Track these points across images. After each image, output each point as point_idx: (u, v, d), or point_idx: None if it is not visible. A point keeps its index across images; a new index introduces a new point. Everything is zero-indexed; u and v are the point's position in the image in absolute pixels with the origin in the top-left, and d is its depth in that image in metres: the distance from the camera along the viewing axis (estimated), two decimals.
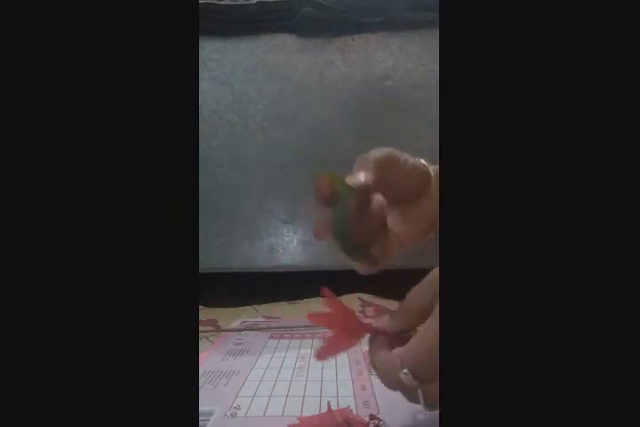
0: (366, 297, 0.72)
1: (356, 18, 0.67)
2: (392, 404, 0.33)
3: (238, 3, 0.65)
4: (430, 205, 0.32)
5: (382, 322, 0.27)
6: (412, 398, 0.25)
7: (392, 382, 0.25)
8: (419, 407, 0.24)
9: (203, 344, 0.53)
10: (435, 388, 0.23)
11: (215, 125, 0.69)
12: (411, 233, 0.32)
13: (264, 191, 0.70)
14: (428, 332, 0.23)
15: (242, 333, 0.56)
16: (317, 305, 0.71)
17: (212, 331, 0.58)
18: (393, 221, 0.31)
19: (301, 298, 0.74)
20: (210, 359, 0.45)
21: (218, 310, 0.70)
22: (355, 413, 0.32)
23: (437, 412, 0.18)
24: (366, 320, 0.28)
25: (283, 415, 0.32)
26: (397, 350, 0.25)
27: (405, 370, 0.24)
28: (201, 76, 0.68)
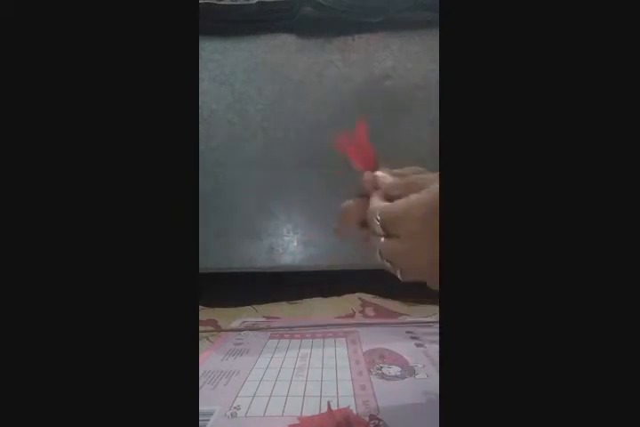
0: (366, 297, 0.72)
1: (356, 18, 0.67)
2: (392, 404, 0.33)
3: (238, 3, 0.65)
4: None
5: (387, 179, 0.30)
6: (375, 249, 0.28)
7: (369, 225, 0.28)
8: (418, 407, 0.24)
9: (203, 344, 0.53)
10: (393, 245, 0.26)
11: (215, 125, 0.69)
12: None
13: (264, 191, 0.70)
14: (412, 198, 0.25)
15: (242, 333, 0.56)
16: (317, 305, 0.71)
17: (212, 331, 0.58)
18: None
19: (301, 298, 0.74)
20: (210, 359, 0.45)
21: (218, 310, 0.70)
22: (355, 413, 0.32)
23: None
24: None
25: (283, 415, 0.32)
26: (383, 203, 0.28)
27: (378, 217, 0.27)
28: (201, 76, 0.68)
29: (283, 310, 0.70)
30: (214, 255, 0.70)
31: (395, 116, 0.69)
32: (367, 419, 0.31)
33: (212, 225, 0.70)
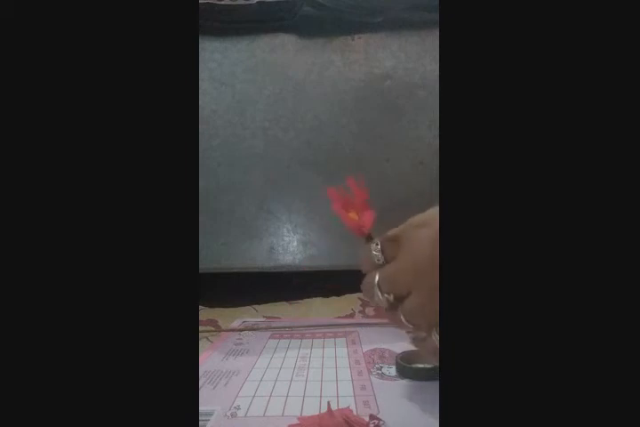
0: None
1: (356, 18, 0.67)
2: (392, 404, 0.33)
3: (238, 3, 0.65)
4: None
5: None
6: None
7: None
8: (419, 407, 0.24)
9: (203, 344, 0.53)
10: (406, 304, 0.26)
11: (215, 125, 0.69)
12: None
13: (264, 191, 0.70)
14: (407, 258, 0.26)
15: (242, 333, 0.56)
16: (317, 305, 0.71)
17: (212, 331, 0.58)
18: None
19: (301, 298, 0.74)
20: (210, 359, 0.45)
21: (218, 310, 0.70)
22: (355, 413, 0.32)
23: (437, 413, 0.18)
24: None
25: (283, 415, 0.32)
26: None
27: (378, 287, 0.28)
28: (201, 76, 0.68)
29: (283, 310, 0.70)
30: (214, 255, 0.70)
31: (395, 115, 0.69)
32: (367, 419, 0.31)
33: (211, 225, 0.70)
